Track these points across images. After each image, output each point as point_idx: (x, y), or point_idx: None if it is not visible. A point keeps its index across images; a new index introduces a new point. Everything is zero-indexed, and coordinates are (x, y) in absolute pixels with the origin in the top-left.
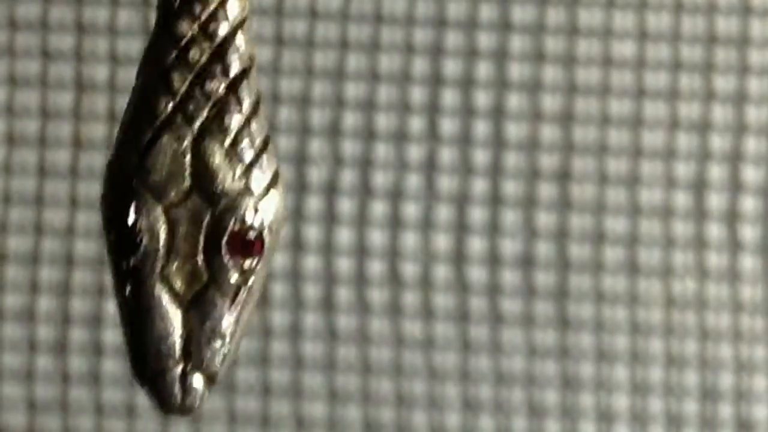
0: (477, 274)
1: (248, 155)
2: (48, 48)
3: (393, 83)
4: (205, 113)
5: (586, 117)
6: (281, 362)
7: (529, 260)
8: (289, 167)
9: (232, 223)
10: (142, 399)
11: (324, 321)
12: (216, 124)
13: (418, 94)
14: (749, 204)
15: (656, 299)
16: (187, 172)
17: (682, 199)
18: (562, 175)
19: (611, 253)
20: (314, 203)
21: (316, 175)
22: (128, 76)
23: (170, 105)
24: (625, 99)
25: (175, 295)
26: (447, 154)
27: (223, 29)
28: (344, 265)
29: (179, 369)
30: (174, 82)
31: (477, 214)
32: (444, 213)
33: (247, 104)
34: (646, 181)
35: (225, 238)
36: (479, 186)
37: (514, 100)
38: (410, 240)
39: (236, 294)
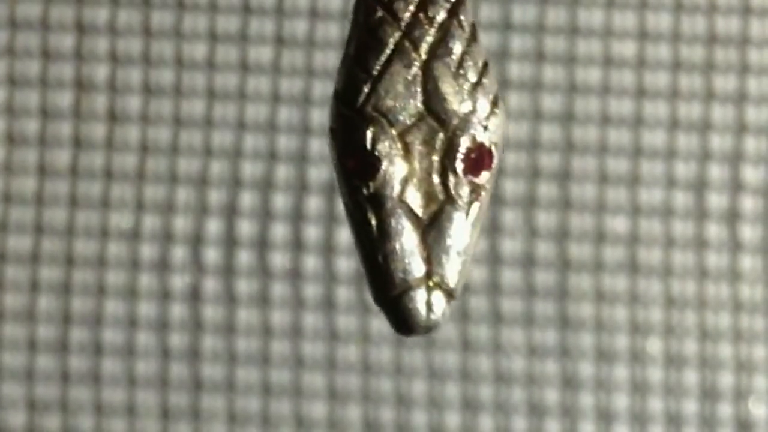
0: (477, 274)
1: (472, 77)
2: (48, 48)
3: None
4: (430, 39)
5: (586, 117)
6: (281, 362)
7: (529, 260)
8: (288, 167)
9: (464, 141)
10: (142, 398)
11: (324, 321)
12: (442, 49)
13: None
14: (749, 204)
15: (656, 299)
16: (419, 97)
17: (682, 199)
18: (562, 174)
19: (611, 253)
20: (314, 203)
21: (315, 174)
22: (128, 75)
23: (397, 33)
24: (625, 99)
25: (413, 216)
26: None
27: None
28: (344, 265)
29: (422, 288)
30: (399, 11)
31: None
32: None
33: (467, 28)
34: (646, 180)
35: (459, 157)
36: None
37: (514, 100)
38: None
39: (470, 210)
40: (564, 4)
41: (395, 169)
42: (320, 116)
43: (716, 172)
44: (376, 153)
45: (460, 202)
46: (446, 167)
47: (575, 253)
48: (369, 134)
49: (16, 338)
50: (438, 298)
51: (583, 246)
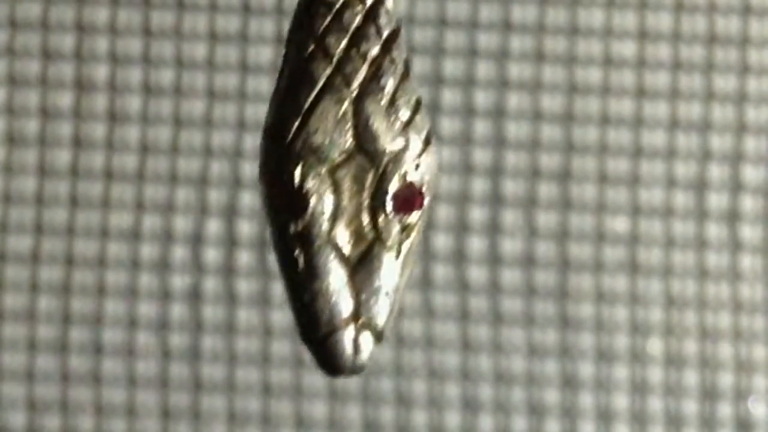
0: (477, 274)
1: (404, 114)
2: (48, 48)
3: None
4: (362, 75)
5: (587, 117)
6: (281, 362)
7: (529, 260)
8: None
9: (395, 180)
10: (142, 399)
11: None
12: (373, 85)
13: None
14: (749, 204)
15: (656, 299)
16: (349, 133)
17: (682, 199)
18: (562, 175)
19: (611, 253)
20: None
21: None
22: (128, 76)
23: (329, 68)
24: (625, 99)
25: (342, 256)
26: (447, 154)
27: None
28: None
29: (349, 329)
30: (330, 47)
31: (477, 214)
32: (444, 213)
33: (401, 64)
34: (646, 181)
35: (390, 195)
36: (479, 186)
37: (514, 100)
38: None
39: (400, 250)
40: (564, 4)
41: (324, 206)
42: None
43: (716, 172)
44: (305, 190)
45: (389, 242)
46: (376, 206)
47: (575, 253)
48: (298, 171)
49: (16, 338)
50: (365, 339)
51: (583, 246)
